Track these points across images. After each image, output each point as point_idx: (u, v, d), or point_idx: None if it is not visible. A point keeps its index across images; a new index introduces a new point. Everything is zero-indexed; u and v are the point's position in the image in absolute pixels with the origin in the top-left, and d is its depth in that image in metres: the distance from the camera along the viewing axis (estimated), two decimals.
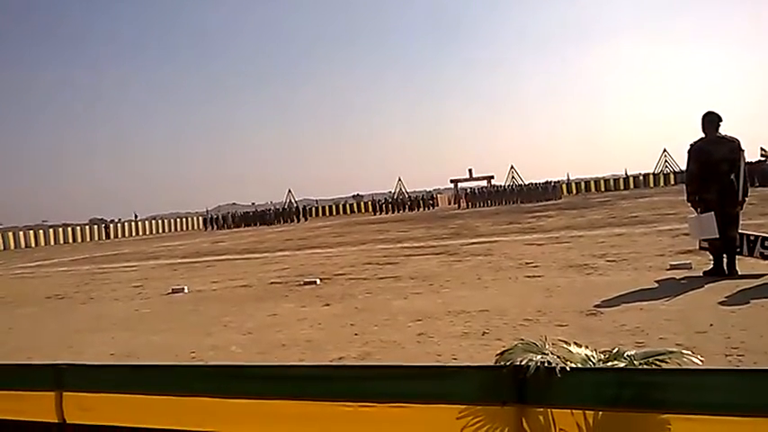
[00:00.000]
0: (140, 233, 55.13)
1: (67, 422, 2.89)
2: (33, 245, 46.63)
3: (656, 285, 6.65)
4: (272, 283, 9.98)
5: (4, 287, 13.88)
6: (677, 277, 6.98)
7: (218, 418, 2.57)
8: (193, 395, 2.61)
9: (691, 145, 7.07)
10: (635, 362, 2.09)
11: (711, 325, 4.66)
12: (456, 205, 52.54)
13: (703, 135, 6.99)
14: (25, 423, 2.97)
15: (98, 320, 7.81)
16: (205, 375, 2.73)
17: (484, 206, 46.91)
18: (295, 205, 59.17)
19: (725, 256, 6.83)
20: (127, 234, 53.90)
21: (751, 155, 36.39)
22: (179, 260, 17.71)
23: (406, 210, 52.61)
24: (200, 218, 61.44)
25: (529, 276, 8.06)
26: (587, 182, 60.09)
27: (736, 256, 6.84)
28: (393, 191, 61.85)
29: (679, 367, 1.97)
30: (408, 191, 61.55)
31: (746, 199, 7.02)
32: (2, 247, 43.68)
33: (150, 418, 2.71)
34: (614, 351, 2.25)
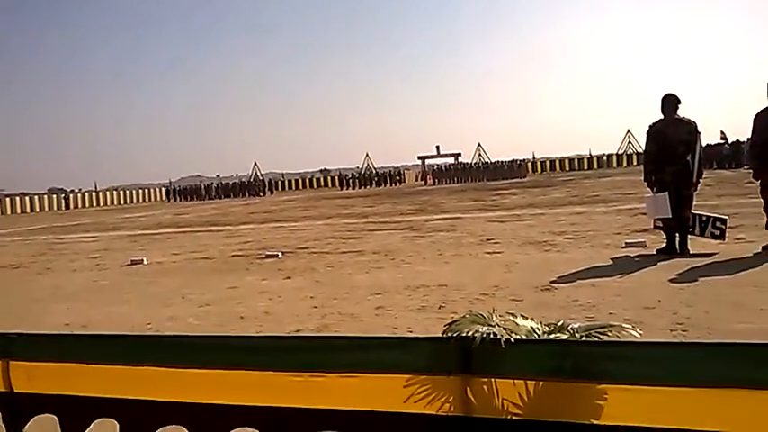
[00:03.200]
0: (101, 204, 54.04)
1: (15, 391, 2.86)
2: None
3: (611, 263, 6.82)
4: (233, 255, 9.93)
5: None
6: (632, 255, 7.17)
7: (168, 387, 2.57)
8: (144, 365, 2.60)
9: (649, 126, 7.21)
10: (577, 334, 2.16)
11: (660, 301, 4.81)
12: (423, 182, 52.73)
13: (662, 116, 7.14)
14: None
15: (54, 291, 7.68)
16: (156, 345, 2.72)
17: (450, 183, 47.19)
18: (261, 178, 58.60)
19: (677, 235, 7.03)
20: (87, 205, 52.77)
21: (710, 137, 37.27)
22: (140, 232, 17.44)
23: (373, 185, 52.61)
24: (164, 189, 60.42)
25: (489, 253, 8.17)
26: (552, 161, 60.90)
27: (689, 236, 7.04)
28: (361, 166, 61.71)
29: (617, 339, 2.04)
30: (376, 166, 61.50)
31: (701, 180, 7.21)
32: None
33: (100, 387, 2.70)
34: (558, 324, 2.31)
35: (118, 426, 2.73)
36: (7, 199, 49.99)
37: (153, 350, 2.69)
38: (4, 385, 2.84)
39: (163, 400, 2.62)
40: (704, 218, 7.21)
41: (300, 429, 2.43)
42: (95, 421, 2.78)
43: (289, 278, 7.28)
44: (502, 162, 51.83)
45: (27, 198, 51.17)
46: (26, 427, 2.95)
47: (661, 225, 7.25)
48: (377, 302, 5.55)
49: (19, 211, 47.85)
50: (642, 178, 7.49)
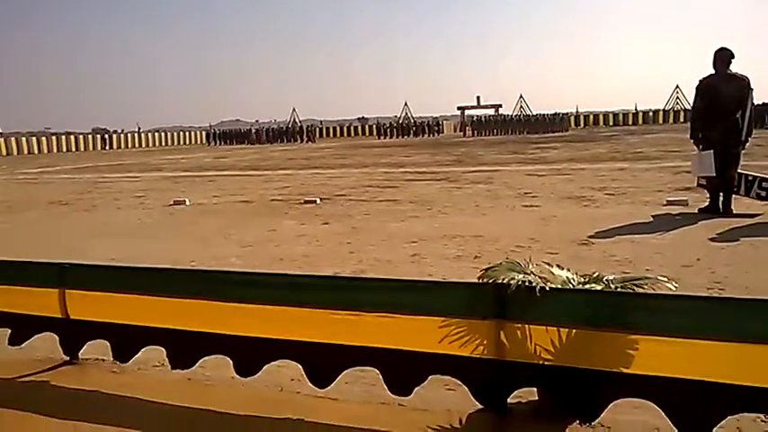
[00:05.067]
0: (143, 145, 54.97)
1: (71, 317, 3.04)
2: (36, 152, 46.60)
3: (651, 220, 6.73)
4: (272, 200, 10.09)
5: (6, 192, 14.02)
6: (673, 213, 7.06)
7: (212, 319, 2.71)
8: (190, 297, 2.74)
9: (700, 81, 6.97)
10: (612, 285, 2.19)
11: (698, 259, 4.76)
12: (462, 133, 52.09)
13: (713, 71, 6.89)
14: (31, 317, 3.13)
15: (100, 227, 7.96)
16: (202, 279, 2.85)
17: (490, 135, 46.53)
18: (299, 125, 58.67)
19: (721, 194, 6.88)
20: (130, 146, 53.76)
21: (763, 95, 35.75)
22: (181, 173, 17.78)
23: (411, 135, 52.20)
24: (204, 132, 61.04)
25: (526, 206, 8.14)
26: (596, 115, 59.34)
27: (733, 196, 6.89)
28: (399, 115, 61.15)
29: (650, 292, 2.07)
30: (414, 116, 60.87)
31: (750, 139, 6.99)
32: (5, 153, 43.65)
33: (149, 316, 2.85)
34: (594, 275, 2.35)
35: (165, 353, 2.89)
36: (53, 137, 51.19)
37: (198, 284, 2.83)
38: (60, 311, 3.03)
39: (207, 331, 2.77)
40: (750, 177, 7.03)
41: (337, 364, 2.55)
42: (144, 348, 2.95)
43: (326, 224, 7.39)
44: (543, 115, 50.74)
45: (72, 137, 52.29)
46: (81, 350, 3.15)
47: (705, 183, 7.09)
48: (413, 250, 5.62)
49: (65, 149, 49.04)
50: (689, 135, 7.29)
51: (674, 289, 2.08)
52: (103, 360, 3.13)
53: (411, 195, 9.84)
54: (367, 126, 62.93)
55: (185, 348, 2.83)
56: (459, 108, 57.14)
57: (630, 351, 2.04)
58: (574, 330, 2.10)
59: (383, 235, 6.46)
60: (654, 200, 8.11)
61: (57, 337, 3.14)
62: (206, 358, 2.84)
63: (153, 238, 7.02)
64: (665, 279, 2.13)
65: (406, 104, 61.05)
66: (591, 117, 58.97)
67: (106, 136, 53.26)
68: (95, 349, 3.14)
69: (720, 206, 6.86)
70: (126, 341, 2.96)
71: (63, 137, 51.87)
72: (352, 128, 63.54)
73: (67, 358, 3.14)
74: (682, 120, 50.41)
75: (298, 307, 2.53)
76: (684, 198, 7.71)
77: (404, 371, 2.39)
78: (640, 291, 2.10)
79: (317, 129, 58.94)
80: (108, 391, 2.82)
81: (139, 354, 2.97)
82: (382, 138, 50.42)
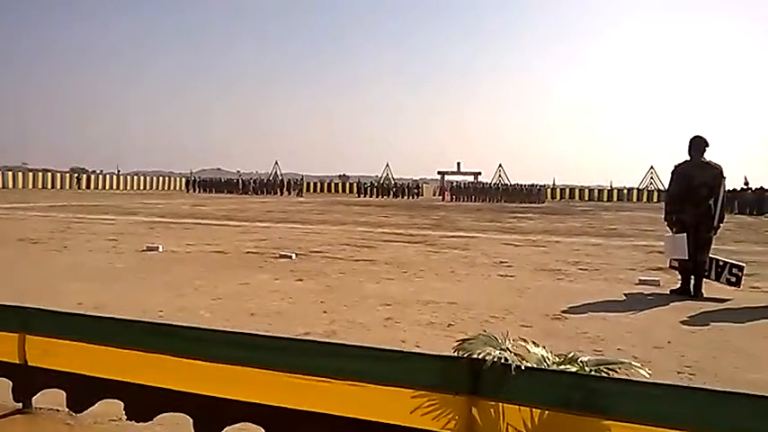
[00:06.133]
0: (122, 188, 54.59)
1: (29, 364, 2.92)
2: (11, 186, 45.97)
3: (624, 298, 6.77)
4: (248, 252, 9.99)
5: None
6: (645, 292, 7.12)
7: (174, 375, 2.62)
8: (154, 351, 2.65)
9: (675, 166, 7.18)
10: (587, 368, 2.17)
11: (669, 342, 4.78)
12: (441, 197, 52.69)
13: (689, 158, 7.11)
14: None
15: (70, 270, 7.78)
16: (167, 334, 2.77)
17: (468, 201, 47.12)
18: (280, 178, 58.90)
19: (693, 277, 6.98)
20: (108, 187, 53.33)
21: (734, 182, 36.90)
22: (157, 219, 17.61)
23: (391, 196, 52.68)
24: (184, 179, 60.91)
25: (501, 275, 8.16)
26: (572, 189, 60.63)
27: (704, 280, 6.99)
28: (380, 175, 61.86)
29: (626, 377, 2.05)
30: (395, 177, 61.63)
31: (721, 225, 7.16)
32: None
33: (109, 368, 2.75)
34: (569, 355, 2.33)
35: (122, 406, 2.78)
36: (30, 173, 50.65)
37: (163, 338, 2.75)
38: (18, 357, 2.91)
39: (168, 388, 2.67)
40: (721, 263, 7.15)
41: (299, 430, 2.46)
42: (102, 401, 2.83)
43: (301, 280, 7.32)
44: (521, 185, 51.68)
45: (49, 174, 51.80)
46: (34, 398, 3.02)
47: (677, 266, 7.20)
48: (386, 313, 5.56)
49: (40, 186, 48.46)
50: (663, 217, 7.45)
51: (647, 375, 2.07)
52: (57, 410, 3.00)
53: (388, 256, 9.82)
54: (348, 183, 63.45)
55: (144, 403, 2.73)
56: (439, 173, 58.07)
57: None
58: (546, 412, 2.07)
59: (357, 296, 6.40)
60: (626, 278, 8.19)
61: (10, 384, 3.01)
62: (164, 415, 2.73)
63: (123, 283, 6.86)
64: (639, 365, 2.12)
65: (387, 165, 61.90)
66: (567, 190, 60.25)
67: (75, 176, 52.76)
68: (50, 399, 3.01)
69: (692, 289, 6.94)
70: (83, 391, 2.84)
71: (40, 173, 51.36)
72: (332, 184, 63.98)
73: (20, 406, 3.00)
74: (655, 200, 51.66)
75: (264, 369, 2.47)
76: (656, 278, 7.80)
77: None
78: (615, 375, 2.08)
79: (298, 183, 59.20)
80: None
81: (96, 406, 2.86)
82: (362, 196, 50.77)
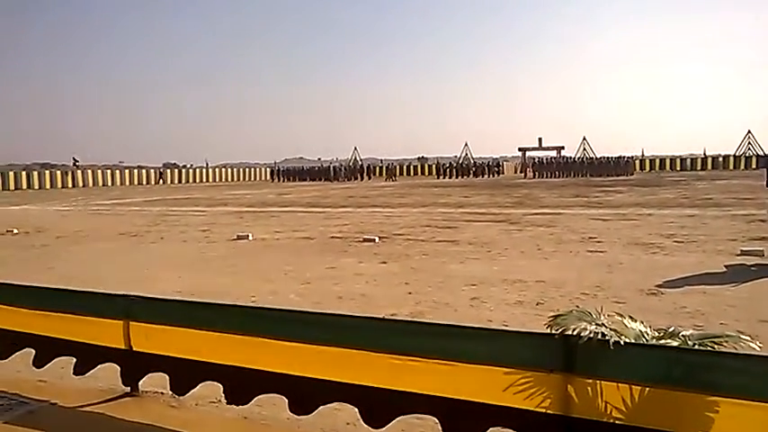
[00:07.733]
0: (210, 180, 56.75)
1: (134, 349, 3.09)
2: (110, 184, 48.78)
3: (724, 270, 6.41)
4: (332, 237, 10.17)
5: (81, 223, 14.66)
6: (748, 263, 6.71)
7: (271, 357, 2.69)
8: (252, 335, 2.74)
9: None
10: (689, 342, 2.06)
11: None
12: (522, 174, 51.59)
13: None
14: (96, 347, 3.20)
15: (167, 259, 8.18)
16: (264, 317, 2.85)
17: (551, 177, 45.89)
18: (360, 163, 59.45)
19: None
20: (198, 180, 55.57)
21: None
22: (245, 208, 18.21)
23: (471, 176, 52.05)
24: (268, 169, 62.59)
25: (591, 251, 7.91)
26: (662, 159, 57.83)
27: None
28: (459, 155, 61.21)
29: (735, 351, 1.92)
30: (474, 156, 60.81)
31: None
32: (81, 185, 45.86)
33: (209, 351, 2.86)
34: (669, 330, 2.21)
35: (222, 388, 2.89)
36: (126, 171, 53.54)
37: (260, 321, 2.83)
38: (124, 343, 3.09)
39: (265, 369, 2.75)
40: None
41: (395, 409, 2.48)
42: (203, 383, 2.96)
43: (384, 263, 7.37)
44: (607, 158, 49.75)
45: (144, 170, 54.55)
46: (140, 382, 3.19)
47: None
48: (472, 293, 5.51)
49: (136, 182, 51.15)
50: (765, 183, 6.96)
51: (758, 349, 1.93)
52: (162, 393, 3.16)
53: (470, 236, 9.73)
54: (426, 165, 63.16)
55: (242, 385, 2.82)
56: (520, 149, 56.70)
57: (710, 414, 1.90)
58: (647, 389, 1.97)
59: (441, 276, 6.38)
60: (726, 249, 7.74)
61: (119, 368, 3.19)
62: (261, 396, 2.82)
63: (216, 271, 7.15)
64: (748, 338, 1.98)
65: (466, 145, 61.10)
66: (657, 161, 57.48)
67: (159, 171, 55.16)
68: (154, 382, 3.17)
69: None
70: (185, 375, 2.98)
71: (135, 170, 54.16)
72: (411, 167, 63.91)
73: (128, 390, 3.19)
74: (754, 166, 48.49)
75: (356, 349, 2.49)
76: (760, 248, 7.33)
77: (464, 421, 2.30)
78: (721, 349, 1.96)
79: (377, 167, 59.56)
80: (166, 426, 2.83)
81: (197, 388, 2.99)
82: (442, 178, 50.47)
